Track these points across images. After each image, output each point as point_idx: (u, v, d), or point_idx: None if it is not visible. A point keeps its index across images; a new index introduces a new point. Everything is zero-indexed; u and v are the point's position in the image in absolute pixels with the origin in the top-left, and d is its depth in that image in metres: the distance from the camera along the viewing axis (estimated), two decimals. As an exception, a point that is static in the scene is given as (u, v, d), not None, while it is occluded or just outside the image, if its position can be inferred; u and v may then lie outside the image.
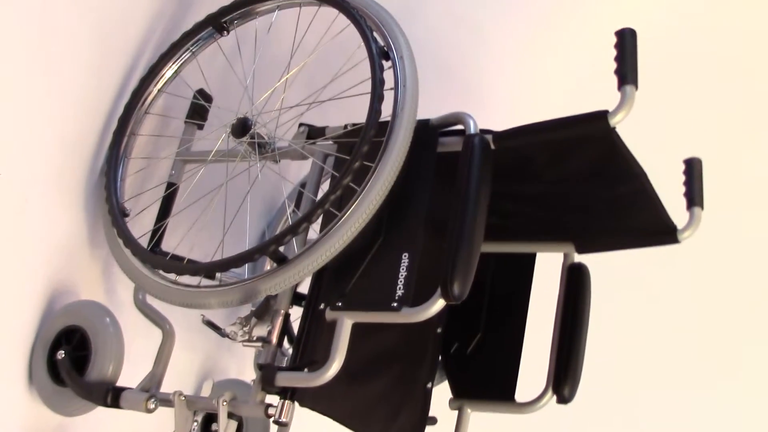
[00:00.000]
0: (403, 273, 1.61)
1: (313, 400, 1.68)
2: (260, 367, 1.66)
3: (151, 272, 1.82)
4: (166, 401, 1.76)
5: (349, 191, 1.66)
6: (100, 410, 1.86)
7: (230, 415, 1.68)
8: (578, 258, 2.05)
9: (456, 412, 2.04)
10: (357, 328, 1.62)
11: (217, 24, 2.02)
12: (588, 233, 1.99)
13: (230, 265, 1.68)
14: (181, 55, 2.05)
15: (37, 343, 1.89)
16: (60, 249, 1.94)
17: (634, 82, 1.58)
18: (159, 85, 2.05)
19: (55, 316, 1.90)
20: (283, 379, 1.63)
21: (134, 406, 1.78)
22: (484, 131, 1.70)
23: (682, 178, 1.97)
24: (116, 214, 1.87)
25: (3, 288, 1.83)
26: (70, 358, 1.83)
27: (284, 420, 1.63)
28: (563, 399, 1.94)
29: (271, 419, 1.64)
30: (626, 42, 1.60)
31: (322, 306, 1.66)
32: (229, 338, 1.74)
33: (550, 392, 1.95)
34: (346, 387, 1.79)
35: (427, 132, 1.76)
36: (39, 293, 1.90)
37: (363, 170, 1.66)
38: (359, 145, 1.65)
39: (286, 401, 1.63)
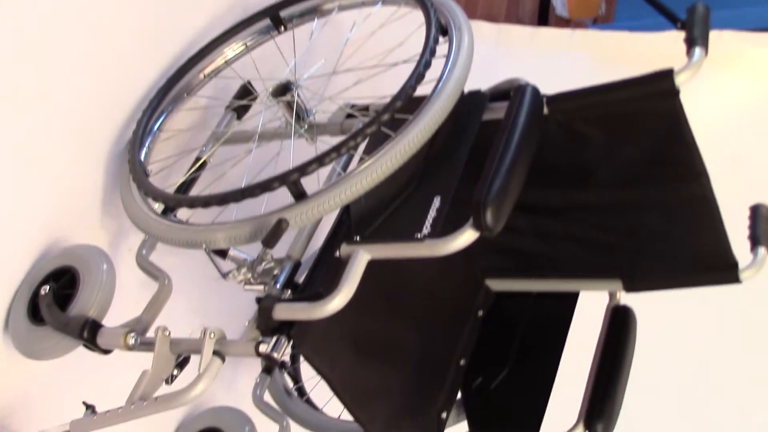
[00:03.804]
0: (432, 214, 1.45)
1: (312, 347, 1.48)
2: (258, 301, 1.48)
3: (159, 215, 1.67)
4: (148, 344, 1.57)
5: (385, 138, 1.54)
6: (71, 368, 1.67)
7: (216, 353, 1.47)
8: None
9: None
10: (374, 292, 1.46)
11: (275, 17, 1.99)
12: (638, 266, 1.81)
13: (245, 194, 1.52)
14: (234, 46, 2.01)
15: (23, 283, 1.73)
16: (71, 198, 1.82)
17: (705, 46, 1.48)
18: (206, 71, 2.00)
19: (50, 257, 1.75)
20: (282, 311, 1.44)
21: (112, 342, 1.59)
22: None
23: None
24: (134, 162, 1.76)
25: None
26: (54, 293, 1.67)
27: (275, 355, 1.42)
28: None
29: (261, 356, 1.44)
30: (698, 12, 1.52)
31: (338, 253, 1.49)
32: (229, 278, 1.57)
33: (580, 428, 1.70)
34: (351, 355, 1.60)
35: (476, 97, 1.66)
36: (38, 235, 1.77)
37: (403, 122, 1.55)
38: (403, 88, 1.55)
39: (282, 337, 1.44)
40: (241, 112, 2.01)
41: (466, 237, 1.36)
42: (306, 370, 2.18)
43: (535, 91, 1.54)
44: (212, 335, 1.47)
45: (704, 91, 2.23)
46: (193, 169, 1.83)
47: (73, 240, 1.80)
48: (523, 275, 1.95)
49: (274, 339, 1.44)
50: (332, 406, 1.98)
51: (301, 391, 2.16)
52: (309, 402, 2.12)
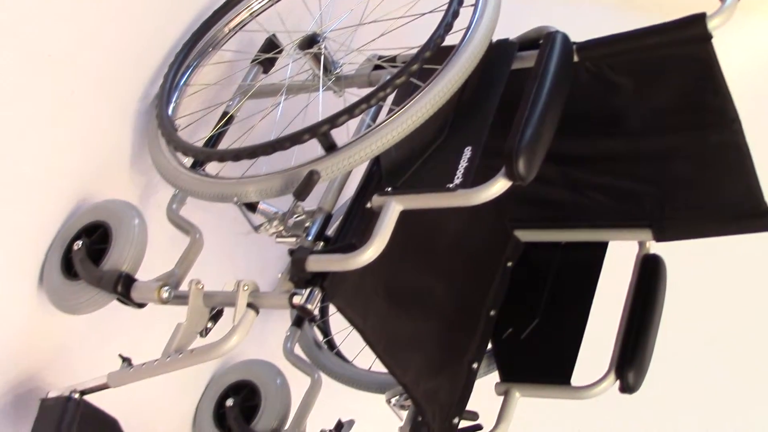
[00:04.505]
0: (463, 164, 1.44)
1: (346, 298, 1.49)
2: (291, 253, 1.48)
3: (188, 169, 1.68)
4: (182, 298, 1.58)
5: (414, 88, 1.53)
6: (106, 322, 1.68)
7: (250, 305, 1.48)
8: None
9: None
10: (406, 244, 1.45)
11: None
12: (668, 214, 1.79)
13: (275, 146, 1.52)
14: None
15: (56, 239, 1.74)
16: (100, 155, 1.82)
17: None
18: (231, 24, 1.99)
19: (81, 212, 1.76)
20: (315, 262, 1.44)
21: (145, 296, 1.60)
22: None
23: None
24: (162, 116, 1.76)
25: (32, 180, 1.71)
26: (87, 248, 1.68)
27: (309, 306, 1.43)
28: (627, 386, 1.69)
29: (294, 308, 1.45)
30: None
31: (369, 205, 1.48)
32: (261, 231, 1.57)
33: (612, 377, 1.71)
34: (383, 306, 1.60)
35: (505, 46, 1.64)
36: (68, 191, 1.77)
37: (432, 72, 1.54)
38: (431, 37, 1.53)
39: (315, 289, 1.44)
40: (267, 65, 2.00)
41: (499, 186, 1.35)
42: (335, 323, 2.20)
43: (566, 38, 1.53)
44: (246, 287, 1.48)
45: (735, 36, 2.19)
46: (221, 123, 1.82)
47: (104, 195, 1.81)
48: (553, 225, 1.94)
49: (308, 290, 1.44)
50: (361, 359, 2.00)
51: (331, 344, 2.17)
52: (339, 355, 2.13)
